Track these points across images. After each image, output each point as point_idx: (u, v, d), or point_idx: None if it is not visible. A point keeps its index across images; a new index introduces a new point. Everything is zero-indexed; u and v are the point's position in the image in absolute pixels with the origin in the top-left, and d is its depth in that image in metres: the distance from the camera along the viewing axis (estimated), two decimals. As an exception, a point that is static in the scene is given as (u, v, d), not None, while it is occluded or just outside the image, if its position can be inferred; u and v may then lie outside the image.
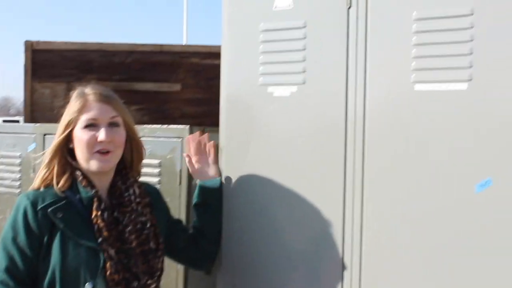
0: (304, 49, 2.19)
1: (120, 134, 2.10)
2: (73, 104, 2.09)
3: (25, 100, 3.85)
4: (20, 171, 3.37)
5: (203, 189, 2.38)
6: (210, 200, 2.38)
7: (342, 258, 2.13)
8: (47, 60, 3.84)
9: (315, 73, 2.17)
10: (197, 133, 2.44)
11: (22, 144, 3.37)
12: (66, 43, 3.86)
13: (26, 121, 3.82)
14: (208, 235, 2.38)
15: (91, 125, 2.06)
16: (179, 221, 2.41)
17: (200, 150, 2.43)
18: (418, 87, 2.01)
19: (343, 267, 2.13)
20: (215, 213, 2.39)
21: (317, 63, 2.17)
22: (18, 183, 3.38)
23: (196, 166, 2.42)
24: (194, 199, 2.40)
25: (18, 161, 3.38)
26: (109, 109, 2.09)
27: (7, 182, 3.45)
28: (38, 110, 3.82)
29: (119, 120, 2.10)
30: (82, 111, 2.07)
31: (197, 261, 2.41)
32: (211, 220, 2.39)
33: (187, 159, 2.44)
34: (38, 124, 3.32)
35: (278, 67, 2.24)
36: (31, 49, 3.83)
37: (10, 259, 2.00)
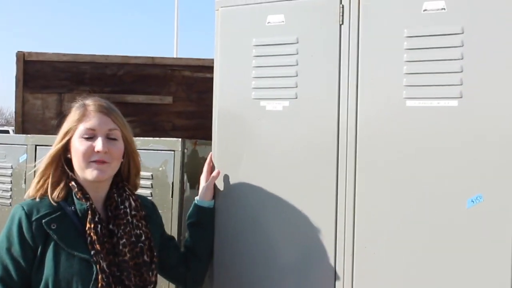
0: (296, 64, 2.22)
1: (118, 147, 2.11)
2: (73, 114, 2.11)
3: (16, 111, 3.85)
4: (11, 182, 3.37)
5: (200, 209, 2.38)
6: (205, 220, 2.39)
7: (334, 268, 2.15)
8: (39, 71, 3.84)
9: (307, 88, 2.20)
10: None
11: (13, 155, 3.36)
12: (58, 54, 3.87)
13: (16, 132, 3.82)
14: (199, 254, 2.38)
15: (89, 135, 2.07)
16: (172, 238, 2.41)
17: (208, 169, 2.43)
18: (410, 103, 2.04)
19: (335, 278, 2.15)
20: (208, 233, 2.40)
21: (309, 78, 2.19)
22: (9, 194, 3.38)
23: (201, 184, 2.42)
24: (189, 218, 2.40)
25: (9, 171, 3.37)
26: (109, 120, 2.10)
27: (-3, 193, 3.45)
28: (29, 121, 3.82)
29: (117, 133, 2.11)
30: (81, 120, 2.08)
31: (185, 281, 2.40)
32: (204, 240, 2.39)
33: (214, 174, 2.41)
34: (30, 135, 3.32)
35: (270, 82, 2.27)
36: (23, 60, 3.83)
37: (4, 269, 2.00)
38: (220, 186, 2.37)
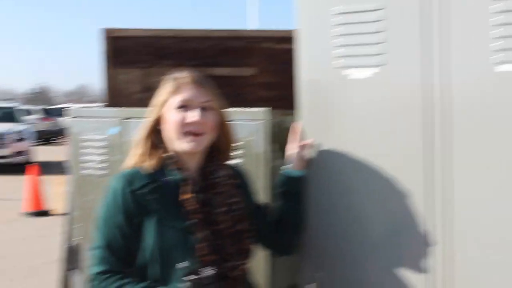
0: (381, 31, 2.18)
1: (212, 118, 2.15)
2: (167, 86, 2.16)
3: (104, 86, 3.95)
4: (103, 154, 3.49)
5: (288, 179, 2.39)
6: (294, 189, 2.39)
7: (426, 240, 2.12)
8: (124, 47, 3.93)
9: (392, 55, 2.17)
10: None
11: (105, 128, 3.48)
12: (142, 30, 3.95)
13: (106, 106, 3.93)
14: (289, 223, 2.39)
15: (183, 107, 2.11)
16: (264, 206, 2.42)
17: (296, 139, 2.43)
18: (499, 68, 1.98)
19: (428, 249, 2.13)
20: (299, 203, 2.41)
21: (395, 44, 2.16)
22: (102, 165, 3.50)
23: (289, 152, 2.43)
24: (278, 188, 2.42)
25: (102, 144, 3.50)
26: (203, 92, 2.14)
27: (92, 165, 3.58)
28: (116, 96, 3.92)
29: (211, 104, 2.15)
30: (175, 92, 2.13)
31: (276, 248, 2.44)
32: (295, 210, 2.40)
33: (300, 144, 2.43)
34: (119, 109, 3.42)
35: (355, 49, 2.24)
36: (109, 36, 3.93)
37: (107, 238, 2.09)
38: (310, 156, 2.38)
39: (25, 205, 11.13)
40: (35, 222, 10.49)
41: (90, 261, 2.15)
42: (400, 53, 2.16)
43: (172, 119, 2.11)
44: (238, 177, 2.27)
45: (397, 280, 2.18)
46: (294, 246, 2.45)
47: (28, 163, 14.76)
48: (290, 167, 2.39)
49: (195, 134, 2.11)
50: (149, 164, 2.14)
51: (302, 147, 2.39)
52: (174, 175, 2.13)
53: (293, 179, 2.39)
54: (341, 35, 2.28)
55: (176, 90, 2.13)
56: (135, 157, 2.18)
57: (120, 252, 2.08)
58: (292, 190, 2.39)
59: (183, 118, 2.10)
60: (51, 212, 11.17)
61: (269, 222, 2.38)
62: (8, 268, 7.63)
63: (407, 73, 2.14)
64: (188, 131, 2.10)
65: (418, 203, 2.14)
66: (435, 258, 2.12)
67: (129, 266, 2.11)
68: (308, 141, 2.38)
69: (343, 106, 2.28)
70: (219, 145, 2.24)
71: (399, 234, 2.18)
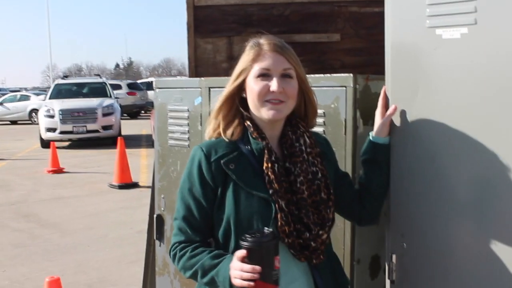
0: (477, -14, 2.05)
1: (293, 85, 2.10)
2: (247, 53, 2.13)
3: (188, 56, 3.96)
4: (188, 124, 3.51)
5: (375, 146, 2.31)
6: (380, 157, 2.32)
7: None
8: (208, 16, 3.92)
9: (488, 12, 2.02)
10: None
11: (189, 98, 3.49)
12: (225, -2, 3.92)
13: (190, 76, 3.94)
14: (374, 192, 2.33)
15: (264, 75, 2.07)
16: (346, 175, 2.37)
17: (384, 104, 2.35)
18: None
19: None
20: (383, 170, 2.33)
21: (490, 1, 2.01)
22: (186, 136, 3.52)
23: (376, 120, 2.35)
24: (364, 155, 2.35)
25: (186, 114, 3.51)
26: (283, 60, 2.09)
27: (176, 135, 3.61)
28: (202, 65, 3.93)
29: (292, 72, 2.10)
30: (255, 60, 2.09)
31: (359, 217, 2.37)
32: (379, 177, 2.33)
33: (385, 111, 2.34)
34: (203, 79, 3.42)
35: (447, 8, 2.11)
36: (193, 6, 3.92)
37: (187, 208, 2.11)
38: (396, 121, 2.29)
39: (114, 178, 11.47)
40: (123, 194, 10.82)
41: (172, 231, 2.18)
42: (493, 10, 2.01)
43: (253, 88, 2.08)
44: (320, 145, 2.21)
45: (485, 250, 2.07)
46: (377, 216, 2.38)
47: (117, 136, 15.19)
48: (377, 134, 2.31)
49: (276, 103, 2.07)
50: (231, 132, 2.13)
51: (390, 113, 2.29)
52: (255, 144, 2.10)
53: (379, 146, 2.31)
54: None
55: (256, 58, 2.09)
56: (216, 126, 2.17)
57: (198, 223, 2.10)
58: (377, 157, 2.32)
59: (264, 87, 2.06)
60: (139, 184, 11.48)
61: (352, 191, 2.33)
62: (96, 237, 7.89)
63: (500, 32, 1.99)
64: (269, 99, 2.07)
65: (509, 173, 2.01)
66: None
67: (208, 237, 2.13)
68: (391, 108, 2.29)
69: (433, 68, 2.17)
70: (301, 113, 2.20)
71: (489, 200, 2.06)
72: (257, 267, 1.82)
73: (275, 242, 1.87)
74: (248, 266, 1.83)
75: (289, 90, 2.08)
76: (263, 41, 2.12)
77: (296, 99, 2.13)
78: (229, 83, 2.16)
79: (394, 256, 2.33)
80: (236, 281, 1.87)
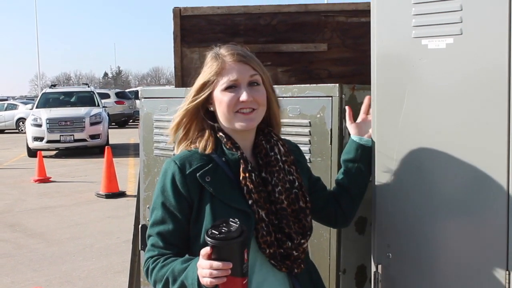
0: (461, -4, 2.05)
1: (261, 92, 2.09)
2: (210, 66, 2.10)
3: (175, 66, 3.94)
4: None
5: (359, 146, 2.33)
6: (364, 158, 2.33)
7: (507, 215, 1.99)
8: (195, 26, 3.90)
9: (473, 22, 2.03)
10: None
11: (175, 108, 3.44)
12: (212, 7, 3.90)
13: (176, 85, 3.92)
14: (353, 191, 2.34)
15: (232, 86, 2.06)
16: (319, 179, 2.37)
17: (367, 111, 2.40)
18: None
19: (508, 229, 1.99)
20: (365, 171, 2.34)
21: (476, 12, 2.02)
22: (172, 146, 3.48)
23: (357, 121, 2.39)
24: (346, 155, 2.36)
25: (166, 124, 3.48)
26: (248, 68, 2.07)
27: (162, 145, 3.59)
28: (188, 75, 3.90)
29: (258, 78, 2.09)
30: (220, 73, 2.06)
31: (335, 219, 2.36)
32: (360, 177, 2.34)
33: (347, 111, 2.42)
34: (189, 88, 3.39)
35: (432, 18, 2.12)
36: (180, 15, 3.90)
37: (162, 223, 2.06)
38: (382, 131, 2.29)
39: (101, 187, 11.42)
40: (110, 203, 10.76)
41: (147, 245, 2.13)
42: (478, 21, 2.02)
43: (222, 101, 2.06)
44: (293, 153, 2.19)
45: (471, 259, 2.08)
46: (352, 216, 2.40)
47: (104, 146, 15.14)
48: (360, 134, 2.36)
49: (247, 113, 2.05)
50: (204, 145, 2.09)
51: (366, 104, 2.37)
52: (230, 154, 2.07)
53: (362, 146, 2.34)
54: (418, 2, 2.15)
55: (221, 71, 2.07)
56: (182, 139, 2.15)
57: (173, 238, 2.05)
58: (359, 157, 2.34)
59: (232, 98, 2.04)
60: (126, 194, 11.43)
61: (326, 194, 2.34)
62: (82, 247, 7.84)
63: (486, 42, 2.00)
64: (239, 110, 2.05)
65: (498, 182, 2.00)
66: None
67: (184, 251, 2.05)
68: (367, 97, 2.37)
69: (419, 78, 2.17)
70: (269, 119, 2.19)
71: (476, 210, 2.06)
72: (229, 264, 1.77)
73: (244, 237, 1.80)
74: (218, 263, 1.77)
75: (259, 97, 2.07)
76: (225, 51, 2.10)
77: (265, 105, 2.12)
78: (190, 96, 2.12)
79: (380, 267, 2.32)
80: (205, 281, 1.80)
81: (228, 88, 2.05)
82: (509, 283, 2.00)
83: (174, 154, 3.40)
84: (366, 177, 2.36)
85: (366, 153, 2.34)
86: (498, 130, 1.99)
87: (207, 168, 2.05)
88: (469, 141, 2.06)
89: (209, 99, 2.10)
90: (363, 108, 2.41)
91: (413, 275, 2.23)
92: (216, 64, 2.08)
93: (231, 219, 1.85)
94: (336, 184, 2.38)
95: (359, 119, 2.40)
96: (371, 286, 2.39)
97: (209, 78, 2.08)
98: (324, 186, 2.37)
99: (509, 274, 2.00)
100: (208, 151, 2.08)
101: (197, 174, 2.03)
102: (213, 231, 1.79)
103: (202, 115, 2.12)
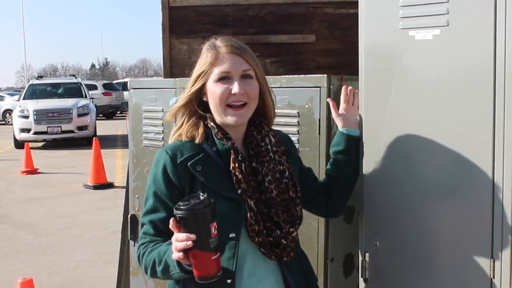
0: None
1: (253, 86, 2.11)
2: (205, 56, 2.12)
3: (164, 57, 3.95)
4: (162, 124, 3.50)
5: (348, 137, 2.35)
6: (353, 148, 2.36)
7: (492, 203, 2.02)
8: (183, 17, 3.91)
9: (460, 14, 2.05)
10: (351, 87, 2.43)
11: (164, 99, 3.49)
12: (201, -1, 3.92)
13: (165, 76, 3.94)
14: (343, 183, 2.36)
15: (224, 78, 2.07)
16: (310, 170, 2.39)
17: (348, 100, 2.41)
18: None
19: (493, 214, 2.03)
20: (354, 162, 2.37)
21: (462, 3, 2.04)
22: (161, 136, 3.52)
23: (341, 112, 2.40)
24: (336, 147, 2.38)
25: (160, 115, 3.51)
26: (242, 61, 2.09)
27: (151, 136, 3.61)
28: (177, 66, 3.92)
29: (251, 72, 2.10)
30: (214, 64, 2.08)
31: (326, 209, 2.39)
32: (350, 169, 2.37)
33: (331, 103, 2.43)
34: (178, 79, 3.42)
35: (419, 10, 2.14)
36: (168, 6, 3.91)
37: (154, 212, 2.09)
38: (369, 121, 2.32)
39: (89, 178, 11.41)
40: (98, 194, 10.76)
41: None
42: (465, 12, 2.04)
43: (214, 92, 2.08)
44: (284, 144, 2.22)
45: (457, 245, 2.12)
46: (344, 207, 2.42)
47: (92, 137, 15.12)
48: (348, 126, 2.37)
49: (238, 107, 2.07)
50: (195, 135, 2.11)
51: (354, 107, 2.37)
52: (221, 145, 2.10)
53: (351, 138, 2.36)
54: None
55: (215, 62, 2.08)
56: (179, 128, 2.16)
57: (165, 226, 2.04)
58: (349, 149, 2.36)
59: (224, 90, 2.06)
60: (114, 185, 11.43)
61: (317, 184, 2.36)
62: (70, 238, 7.84)
63: (472, 34, 2.03)
64: (230, 103, 2.07)
65: (484, 171, 2.04)
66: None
67: None
68: (349, 88, 2.39)
69: (406, 69, 2.19)
70: (262, 112, 2.21)
71: (461, 197, 2.10)
72: (192, 235, 1.78)
73: (210, 208, 1.82)
74: (181, 235, 1.79)
75: (251, 91, 2.09)
76: (220, 43, 2.11)
77: (257, 99, 2.14)
78: (188, 87, 2.15)
79: (367, 255, 2.35)
80: (175, 255, 1.82)
81: (221, 79, 2.07)
82: (493, 270, 2.04)
83: (163, 145, 3.43)
84: (357, 167, 2.38)
85: (355, 143, 2.36)
86: (484, 119, 2.02)
87: (198, 157, 2.07)
88: (456, 131, 2.09)
89: (203, 90, 2.12)
90: (342, 97, 2.41)
91: (400, 263, 2.27)
92: (210, 55, 2.09)
93: (200, 193, 1.87)
94: (326, 175, 2.40)
95: (341, 110, 2.40)
96: (358, 274, 2.42)
97: (203, 68, 2.10)
98: (315, 177, 2.39)
99: (494, 262, 2.03)
100: (198, 140, 2.10)
101: (188, 163, 2.05)
102: (180, 203, 1.82)
103: (195, 105, 2.14)
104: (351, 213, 2.67)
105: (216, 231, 1.83)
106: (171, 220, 1.84)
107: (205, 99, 2.14)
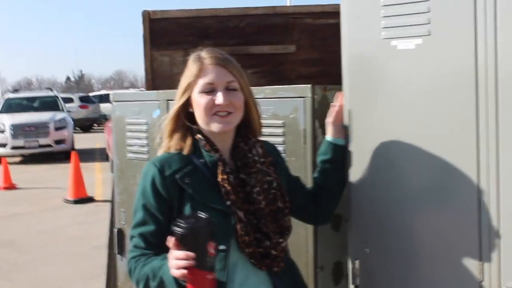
0: (428, 0, 2.12)
1: (238, 97, 2.13)
2: (190, 68, 2.14)
3: (145, 69, 3.96)
4: (146, 137, 3.50)
5: (335, 147, 2.37)
6: (339, 157, 2.38)
7: (479, 208, 2.06)
8: (164, 29, 3.93)
9: (441, 24, 2.10)
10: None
11: (147, 111, 3.49)
12: (181, 11, 3.94)
13: (147, 89, 3.95)
14: (331, 191, 2.39)
15: (208, 89, 2.09)
16: (298, 179, 2.41)
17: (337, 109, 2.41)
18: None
19: (480, 221, 2.06)
20: (341, 170, 2.39)
21: (443, 13, 2.09)
22: (145, 148, 3.52)
23: (333, 121, 2.40)
24: (323, 156, 2.40)
25: (144, 127, 3.51)
26: (226, 73, 2.11)
27: (135, 148, 3.61)
28: (158, 78, 3.93)
29: (235, 84, 2.12)
30: (199, 75, 2.10)
31: (315, 217, 2.43)
32: (338, 177, 2.39)
33: (333, 109, 2.41)
34: (161, 91, 3.43)
35: (401, 20, 2.18)
36: (149, 18, 3.93)
37: (143, 225, 2.10)
38: (355, 130, 2.35)
39: (69, 193, 11.32)
40: (79, 208, 10.68)
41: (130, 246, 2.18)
42: (446, 22, 2.09)
43: (199, 103, 2.10)
44: (271, 154, 2.24)
45: (446, 250, 2.15)
46: (332, 214, 2.46)
47: (70, 151, 15.01)
48: (335, 135, 2.38)
49: (224, 116, 2.09)
50: (182, 147, 2.13)
51: (337, 109, 2.38)
52: (209, 157, 2.11)
53: (338, 147, 2.37)
54: (387, 4, 2.21)
55: (199, 73, 2.10)
56: (168, 141, 2.18)
57: (154, 239, 2.09)
58: (336, 157, 2.37)
59: (209, 101, 2.08)
60: (94, 199, 11.36)
61: (306, 193, 2.38)
62: (54, 254, 7.78)
63: (453, 43, 2.08)
64: (216, 113, 2.09)
65: (469, 177, 2.08)
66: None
67: (164, 252, 2.06)
68: (340, 96, 2.38)
69: (389, 78, 2.23)
70: (248, 123, 2.22)
71: (448, 202, 2.14)
72: (190, 253, 1.80)
73: (209, 227, 1.85)
74: (180, 253, 1.81)
75: (236, 102, 2.11)
76: (205, 54, 2.14)
77: (243, 110, 2.16)
78: (177, 99, 2.17)
79: (357, 262, 2.37)
80: (173, 272, 1.84)
81: (205, 90, 2.09)
82: (482, 273, 2.07)
83: (148, 158, 3.43)
84: (343, 176, 2.41)
85: (341, 152, 2.38)
86: (467, 127, 2.06)
87: (186, 170, 2.09)
88: (441, 138, 2.13)
89: (189, 101, 2.14)
90: (332, 108, 2.41)
91: (391, 269, 2.29)
92: (195, 67, 2.12)
93: (199, 212, 1.90)
94: (314, 183, 2.43)
95: (331, 121, 2.40)
96: (347, 282, 2.45)
97: (189, 80, 2.12)
98: (303, 185, 2.41)
99: (483, 265, 2.07)
100: (185, 152, 2.12)
101: (176, 176, 2.07)
102: (179, 221, 1.84)
103: (182, 117, 2.15)
104: (338, 221, 2.69)
105: (214, 251, 1.86)
106: (171, 239, 1.84)
107: (191, 110, 2.16)
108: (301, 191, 2.37)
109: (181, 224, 1.83)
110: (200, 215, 1.88)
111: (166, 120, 2.19)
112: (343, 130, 2.39)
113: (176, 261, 1.83)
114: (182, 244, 1.83)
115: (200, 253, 1.82)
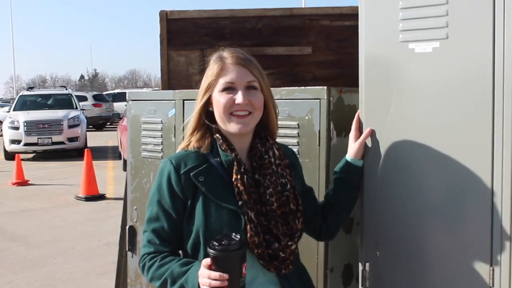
0: (446, 3, 2.12)
1: (258, 97, 2.13)
2: (211, 68, 2.16)
3: (161, 69, 3.98)
4: (161, 136, 3.53)
5: (351, 167, 2.36)
6: (354, 178, 2.37)
7: (492, 211, 2.06)
8: (181, 29, 3.95)
9: (459, 27, 2.10)
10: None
11: (163, 110, 3.52)
12: (198, 11, 3.95)
13: (163, 88, 3.96)
14: (339, 209, 2.38)
15: (229, 88, 2.11)
16: (311, 189, 2.41)
17: (358, 127, 2.40)
18: None
19: (492, 228, 2.06)
20: (354, 190, 2.39)
21: (461, 16, 2.09)
22: (160, 147, 3.54)
23: (355, 135, 2.39)
24: (338, 173, 2.38)
25: (159, 126, 3.53)
26: (247, 72, 2.12)
27: (149, 147, 3.63)
28: (175, 78, 3.95)
29: (256, 84, 2.13)
30: (220, 74, 2.12)
31: (319, 232, 2.40)
32: (349, 197, 2.39)
33: (356, 125, 2.40)
34: (177, 91, 3.45)
35: (419, 23, 2.19)
36: (166, 18, 3.95)
37: (157, 220, 2.13)
38: (369, 138, 2.35)
39: (81, 190, 11.37)
40: (90, 206, 10.72)
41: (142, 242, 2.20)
42: (464, 25, 2.09)
43: (218, 102, 2.11)
44: (288, 157, 2.25)
45: (456, 255, 2.15)
46: (336, 232, 2.44)
47: (82, 148, 15.07)
48: (352, 156, 2.36)
49: (242, 116, 2.10)
50: (200, 145, 2.15)
51: (365, 136, 2.35)
52: (224, 156, 2.13)
53: (355, 167, 2.36)
54: (405, 7, 2.21)
55: (220, 72, 2.12)
56: (187, 139, 2.20)
57: (168, 235, 2.12)
58: (351, 178, 2.37)
59: (229, 100, 2.10)
60: (106, 196, 11.40)
61: (315, 206, 2.37)
62: (64, 250, 7.81)
63: (471, 46, 2.08)
64: (235, 112, 2.10)
65: (483, 180, 2.08)
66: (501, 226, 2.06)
67: (177, 249, 2.15)
68: (369, 129, 2.34)
69: (406, 81, 2.23)
70: (266, 125, 2.23)
71: (460, 207, 2.13)
72: (225, 275, 1.83)
73: (243, 251, 1.87)
74: (215, 274, 1.83)
75: (255, 102, 2.12)
76: (226, 54, 2.15)
77: (261, 110, 2.16)
78: (198, 99, 2.18)
79: (367, 264, 2.38)
80: None
81: (225, 89, 2.11)
82: (492, 279, 2.07)
83: (162, 156, 3.45)
84: (355, 196, 2.41)
85: (357, 174, 2.37)
86: (483, 130, 2.06)
87: (201, 168, 2.10)
88: (455, 141, 2.13)
89: (210, 100, 2.16)
90: (354, 124, 2.40)
91: (401, 272, 2.30)
92: (216, 66, 2.13)
93: (233, 233, 1.91)
94: (325, 198, 2.42)
95: (352, 141, 2.38)
96: (357, 284, 2.45)
97: (210, 79, 2.14)
98: (315, 197, 2.40)
99: (493, 271, 2.07)
100: (202, 151, 2.14)
101: (191, 174, 2.09)
102: (214, 242, 1.87)
103: (203, 116, 2.17)
104: (350, 223, 2.70)
105: (245, 271, 1.89)
106: (208, 261, 1.86)
107: (211, 109, 2.17)
108: (311, 203, 2.35)
109: (216, 246, 1.85)
110: (233, 236, 1.90)
111: (190, 122, 2.20)
112: (362, 149, 2.36)
113: (209, 280, 1.85)
114: (216, 265, 1.86)
115: (234, 275, 1.85)
